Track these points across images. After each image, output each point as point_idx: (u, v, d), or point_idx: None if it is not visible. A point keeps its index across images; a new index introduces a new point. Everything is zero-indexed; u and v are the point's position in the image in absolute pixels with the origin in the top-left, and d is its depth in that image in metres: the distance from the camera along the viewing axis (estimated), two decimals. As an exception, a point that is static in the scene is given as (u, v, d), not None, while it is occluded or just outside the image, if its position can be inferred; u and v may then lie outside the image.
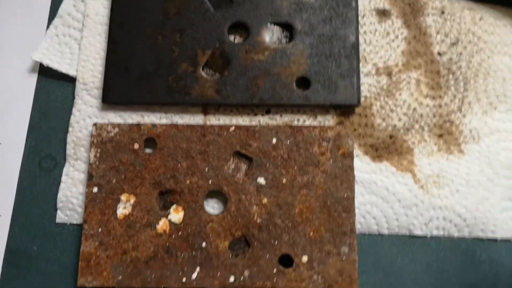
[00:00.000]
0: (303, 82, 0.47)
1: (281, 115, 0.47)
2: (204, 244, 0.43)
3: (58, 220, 0.45)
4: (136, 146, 0.45)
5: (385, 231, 0.45)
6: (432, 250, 0.45)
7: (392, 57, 0.48)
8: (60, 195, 0.46)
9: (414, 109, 0.47)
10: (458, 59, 0.48)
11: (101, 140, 0.45)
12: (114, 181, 0.45)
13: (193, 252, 0.43)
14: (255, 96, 0.46)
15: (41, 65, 0.49)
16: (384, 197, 0.45)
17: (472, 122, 0.47)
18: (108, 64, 0.47)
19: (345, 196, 0.44)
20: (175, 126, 0.46)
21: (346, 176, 0.44)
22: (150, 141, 0.46)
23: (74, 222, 0.45)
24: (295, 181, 0.44)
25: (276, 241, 0.43)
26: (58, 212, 0.46)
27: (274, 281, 0.43)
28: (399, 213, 0.45)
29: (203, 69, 0.47)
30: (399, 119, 0.47)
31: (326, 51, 0.47)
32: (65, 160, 0.47)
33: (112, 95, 0.46)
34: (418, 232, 0.45)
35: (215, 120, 0.47)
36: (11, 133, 0.48)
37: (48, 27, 0.50)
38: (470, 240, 0.45)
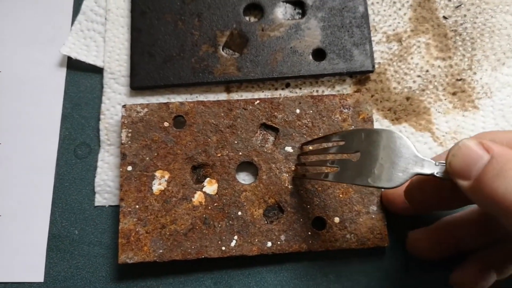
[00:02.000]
0: (319, 54, 0.45)
1: (300, 88, 0.45)
2: (239, 213, 0.41)
3: (96, 203, 0.43)
4: (166, 124, 0.43)
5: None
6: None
7: (400, 24, 0.46)
8: (97, 179, 0.44)
9: (427, 71, 0.45)
10: (463, 21, 0.46)
11: (131, 121, 0.43)
12: (147, 159, 0.42)
13: (230, 221, 0.41)
14: (274, 70, 0.44)
15: (69, 58, 0.47)
16: (405, 157, 0.44)
17: (483, 79, 0.45)
18: (133, 52, 0.45)
19: None
20: (202, 102, 0.44)
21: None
22: (179, 119, 0.44)
23: (112, 204, 0.43)
24: (321, 147, 0.42)
25: (308, 205, 0.42)
26: (97, 195, 0.43)
27: (310, 243, 0.41)
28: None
29: (223, 49, 0.45)
30: (414, 81, 0.45)
31: (338, 22, 0.45)
32: (99, 146, 0.45)
33: (139, 80, 0.44)
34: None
35: (238, 97, 0.45)
36: (46, 124, 0.46)
37: (72, 22, 0.48)
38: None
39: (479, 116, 0.44)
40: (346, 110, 0.43)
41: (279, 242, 0.41)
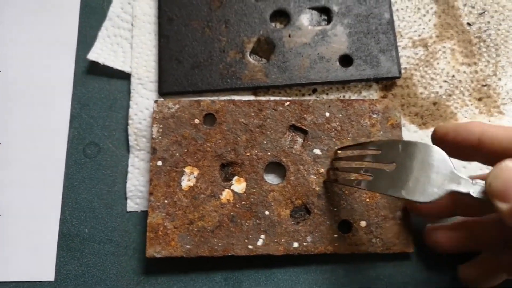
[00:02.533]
0: (346, 60, 0.52)
1: (327, 93, 0.52)
2: (267, 212, 0.47)
3: (129, 209, 0.50)
4: (196, 121, 0.49)
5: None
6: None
7: (425, 30, 0.54)
8: (128, 185, 0.50)
9: (453, 76, 0.52)
10: (487, 28, 0.54)
11: (162, 116, 0.49)
12: (177, 154, 0.48)
13: (257, 221, 0.47)
14: (302, 76, 0.51)
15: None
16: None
17: (508, 84, 0.52)
18: (161, 58, 0.52)
19: None
20: (232, 102, 0.49)
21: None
22: (209, 117, 0.49)
23: (144, 209, 0.49)
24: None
25: (335, 208, 0.47)
26: (128, 201, 0.50)
27: (335, 245, 0.46)
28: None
29: (250, 55, 0.52)
30: (440, 86, 0.52)
31: (364, 29, 0.53)
32: (127, 152, 0.52)
33: (168, 86, 0.51)
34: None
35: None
36: (55, 124, 0.52)
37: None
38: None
39: (505, 122, 0.51)
40: (375, 116, 0.49)
41: (305, 243, 0.46)
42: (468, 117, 0.52)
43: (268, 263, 0.48)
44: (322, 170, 0.48)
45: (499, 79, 0.53)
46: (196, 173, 0.48)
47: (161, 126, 0.49)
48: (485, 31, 0.55)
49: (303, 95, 0.53)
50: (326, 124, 0.49)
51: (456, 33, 0.54)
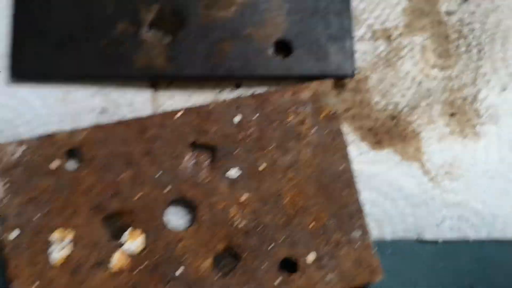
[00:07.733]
0: (283, 47, 0.44)
1: (254, 90, 0.45)
2: (180, 270, 0.40)
3: None
4: (55, 164, 0.40)
5: (388, 236, 0.45)
6: (443, 255, 0.45)
7: (391, 17, 0.47)
8: None
9: (420, 83, 0.46)
10: (470, 20, 0.47)
11: (5, 167, 0.40)
12: (37, 216, 0.40)
13: (168, 285, 0.40)
14: (220, 65, 0.43)
15: None
16: (387, 194, 0.44)
17: (489, 98, 0.46)
18: (16, 28, 0.42)
19: (341, 168, 0.43)
20: (100, 128, 0.41)
21: (337, 144, 0.43)
22: (73, 154, 0.41)
23: None
24: (276, 164, 0.42)
25: (271, 245, 0.41)
26: None
27: None
28: (405, 213, 0.44)
29: (149, 30, 0.43)
30: (402, 95, 0.46)
31: (310, 6, 0.44)
32: None
33: (24, 68, 0.42)
34: (428, 235, 0.44)
35: (168, 95, 0.44)
36: None
37: None
38: (488, 243, 0.45)
39: (480, 147, 0.46)
40: (302, 108, 0.43)
41: None
42: (435, 138, 0.46)
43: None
44: (244, 197, 0.42)
45: (479, 90, 0.47)
46: (70, 236, 0.40)
47: (5, 181, 0.40)
48: (467, 24, 0.48)
49: (222, 90, 0.45)
50: (239, 133, 0.43)
51: (431, 24, 0.47)
